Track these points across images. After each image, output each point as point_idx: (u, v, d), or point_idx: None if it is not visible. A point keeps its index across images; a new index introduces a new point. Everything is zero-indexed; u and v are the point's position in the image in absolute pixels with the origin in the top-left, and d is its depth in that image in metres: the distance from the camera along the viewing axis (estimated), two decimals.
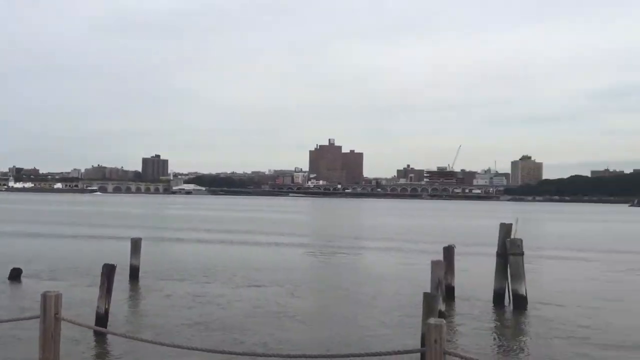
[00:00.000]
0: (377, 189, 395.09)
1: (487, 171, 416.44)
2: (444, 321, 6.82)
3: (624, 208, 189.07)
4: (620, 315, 17.44)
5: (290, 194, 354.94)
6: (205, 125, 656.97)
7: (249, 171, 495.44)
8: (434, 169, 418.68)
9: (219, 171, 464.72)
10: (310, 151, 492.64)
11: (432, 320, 6.82)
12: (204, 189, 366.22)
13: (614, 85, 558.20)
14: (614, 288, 22.86)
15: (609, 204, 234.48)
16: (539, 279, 23.77)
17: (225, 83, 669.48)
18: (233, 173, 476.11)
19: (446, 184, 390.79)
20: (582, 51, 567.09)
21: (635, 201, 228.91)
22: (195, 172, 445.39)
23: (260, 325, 15.11)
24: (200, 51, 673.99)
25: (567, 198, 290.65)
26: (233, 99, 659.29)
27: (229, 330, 14.49)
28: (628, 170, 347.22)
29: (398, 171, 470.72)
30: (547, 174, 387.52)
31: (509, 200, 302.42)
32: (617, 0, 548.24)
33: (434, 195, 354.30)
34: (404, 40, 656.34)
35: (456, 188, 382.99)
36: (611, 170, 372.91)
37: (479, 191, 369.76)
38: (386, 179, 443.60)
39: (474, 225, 68.33)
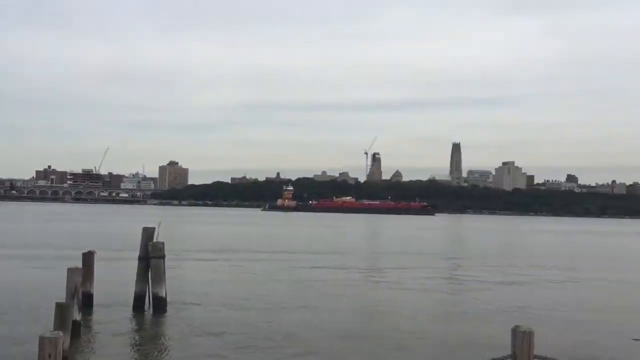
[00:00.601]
0: (12, 191, 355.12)
1: (136, 175, 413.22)
2: (60, 333, 6.51)
3: (257, 212, 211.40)
4: (256, 313, 19.19)
5: None
6: None
7: None
8: (79, 171, 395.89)
9: None
10: None
11: (47, 334, 6.43)
12: None
13: (253, 101, 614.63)
14: (249, 287, 25.20)
15: (245, 208, 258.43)
16: (181, 280, 24.59)
17: None
18: None
19: (92, 187, 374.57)
20: (230, 68, 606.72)
21: (267, 206, 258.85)
22: None
23: None
24: None
25: (209, 202, 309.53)
26: None
27: None
28: (262, 178, 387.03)
29: (37, 172, 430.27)
30: (192, 180, 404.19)
31: (156, 204, 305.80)
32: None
33: (78, 199, 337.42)
34: (80, 33, 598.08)
35: (102, 191, 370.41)
36: (248, 177, 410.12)
37: (126, 195, 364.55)
38: (23, 180, 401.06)
39: (119, 229, 66.94)
